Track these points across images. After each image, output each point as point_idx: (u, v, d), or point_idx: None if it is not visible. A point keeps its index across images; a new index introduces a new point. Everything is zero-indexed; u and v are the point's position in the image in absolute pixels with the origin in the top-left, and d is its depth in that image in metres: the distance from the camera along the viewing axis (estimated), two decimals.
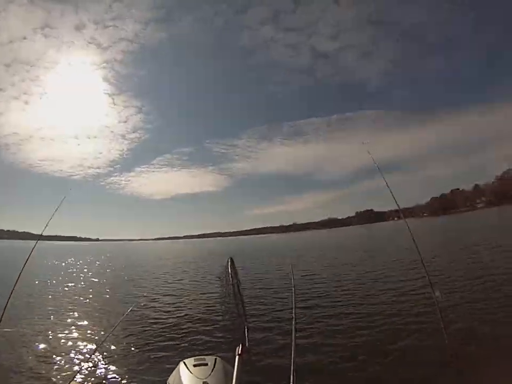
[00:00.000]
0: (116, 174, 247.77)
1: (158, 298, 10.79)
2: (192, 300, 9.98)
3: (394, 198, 2.61)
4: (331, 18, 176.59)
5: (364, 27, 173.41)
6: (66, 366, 5.08)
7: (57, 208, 3.82)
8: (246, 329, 1.87)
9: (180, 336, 6.45)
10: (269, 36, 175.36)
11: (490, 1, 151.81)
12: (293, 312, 1.60)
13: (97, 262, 30.81)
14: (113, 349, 5.82)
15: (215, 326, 6.60)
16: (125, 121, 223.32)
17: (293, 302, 1.64)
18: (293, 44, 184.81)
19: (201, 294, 10.76)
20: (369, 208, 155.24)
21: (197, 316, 7.85)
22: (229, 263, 2.12)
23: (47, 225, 3.64)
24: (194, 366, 2.15)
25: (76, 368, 4.93)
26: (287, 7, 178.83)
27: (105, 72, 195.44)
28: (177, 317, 8.09)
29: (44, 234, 4.24)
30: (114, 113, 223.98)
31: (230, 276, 1.98)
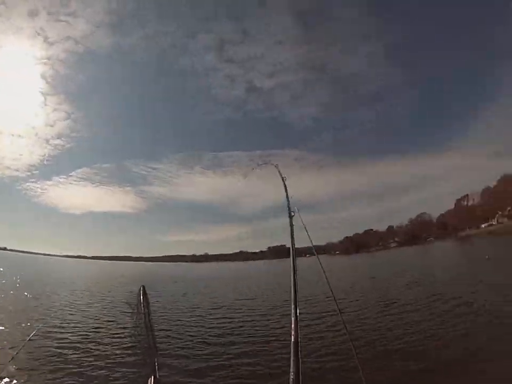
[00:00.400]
0: (33, 180, 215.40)
1: (65, 324, 9.95)
2: (100, 327, 9.52)
3: (308, 234, 3.06)
4: (272, 57, 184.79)
5: (301, 70, 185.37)
6: None
7: None
8: (156, 361, 1.92)
9: (86, 367, 6.07)
10: (211, 65, 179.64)
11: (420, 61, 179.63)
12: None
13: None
14: (17, 376, 5.23)
15: (123, 357, 6.49)
16: (52, 125, 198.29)
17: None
18: (231, 75, 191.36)
19: (110, 322, 10.40)
20: (282, 244, 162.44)
21: (105, 346, 7.54)
22: (141, 291, 2.07)
23: None
24: None
25: None
26: (234, 38, 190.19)
27: (45, 69, 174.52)
28: (84, 344, 7.59)
29: None
30: (43, 114, 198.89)
31: (141, 305, 1.95)
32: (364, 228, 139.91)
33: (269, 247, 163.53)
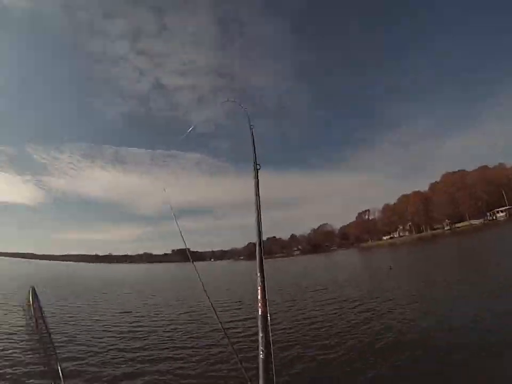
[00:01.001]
0: None
1: None
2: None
3: (183, 240, 2.74)
4: (185, 56, 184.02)
5: (211, 74, 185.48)
6: None
7: None
8: (58, 367, 1.70)
9: None
10: (122, 53, 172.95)
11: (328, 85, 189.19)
12: None
13: None
14: None
15: (22, 364, 5.79)
16: None
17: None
18: (141, 68, 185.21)
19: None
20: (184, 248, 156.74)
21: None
22: (31, 293, 1.90)
23: None
24: None
25: None
26: (151, 29, 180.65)
27: None
28: None
29: None
30: None
31: (32, 308, 1.77)
32: (267, 235, 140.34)
33: (173, 250, 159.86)
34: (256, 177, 1.67)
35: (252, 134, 2.03)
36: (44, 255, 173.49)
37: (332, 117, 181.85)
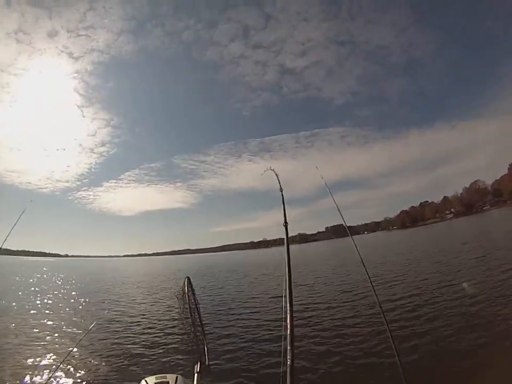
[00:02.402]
0: (84, 188, 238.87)
1: (120, 317, 10.81)
2: (152, 318, 10.16)
3: (341, 215, 2.94)
4: (300, 36, 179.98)
5: (331, 46, 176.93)
6: (32, 382, 5.08)
7: (17, 221, 3.75)
8: (205, 348, 2.02)
9: (141, 354, 6.53)
10: (238, 52, 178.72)
11: (453, 24, 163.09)
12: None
13: (60, 278, 29.55)
14: (77, 365, 5.82)
15: (174, 345, 6.80)
16: (93, 135, 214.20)
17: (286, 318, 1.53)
18: (261, 60, 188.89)
19: (161, 313, 11.08)
20: (339, 223, 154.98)
21: (157, 335, 8.04)
22: (186, 282, 2.18)
23: (6, 238, 3.57)
24: (156, 383, 2.14)
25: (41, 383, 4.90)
26: (257, 23, 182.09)
27: (75, 83, 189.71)
28: (138, 335, 8.18)
29: (4, 247, 4.15)
30: (83, 125, 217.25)
31: (186, 295, 2.05)
32: (419, 201, 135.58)
33: (326, 227, 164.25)
34: (286, 234, 1.93)
35: (282, 195, 2.26)
36: (198, 249, 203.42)
37: (465, 58, 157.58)
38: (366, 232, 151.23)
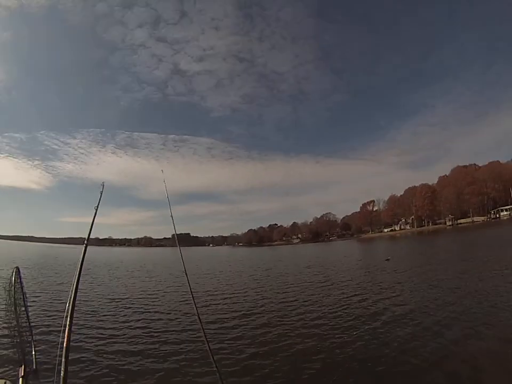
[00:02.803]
0: None
1: None
2: None
3: (174, 224, 3.27)
4: (204, 41, 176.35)
5: (229, 59, 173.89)
6: None
7: None
8: (32, 349, 1.87)
9: None
10: (140, 40, 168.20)
11: (348, 70, 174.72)
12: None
13: None
14: None
15: None
16: None
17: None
18: (159, 55, 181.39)
19: None
20: (187, 232, 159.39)
21: None
22: (14, 274, 2.00)
23: None
24: None
25: None
26: (170, 17, 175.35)
27: None
28: None
29: None
30: None
31: (13, 287, 1.86)
32: (269, 222, 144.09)
33: (172, 234, 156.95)
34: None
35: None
36: (43, 238, 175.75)
37: (349, 103, 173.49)
38: (211, 245, 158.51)
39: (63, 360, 1.49)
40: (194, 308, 2.65)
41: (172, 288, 15.08)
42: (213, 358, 2.17)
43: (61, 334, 1.55)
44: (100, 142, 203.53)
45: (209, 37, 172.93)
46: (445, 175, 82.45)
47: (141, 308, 10.72)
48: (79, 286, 1.79)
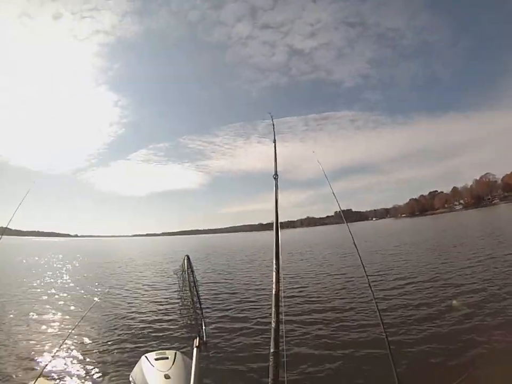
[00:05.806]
0: (93, 169, 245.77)
1: (121, 294, 11.05)
2: (153, 296, 10.39)
3: (337, 202, 2.88)
4: (308, 17, 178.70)
5: (340, 27, 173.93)
6: (34, 361, 5.11)
7: (21, 202, 3.72)
8: (202, 324, 2.10)
9: (141, 331, 6.65)
10: (245, 33, 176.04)
11: (468, 9, 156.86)
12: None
13: (64, 258, 30.03)
14: (79, 343, 5.89)
15: (173, 321, 6.96)
16: (101, 115, 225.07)
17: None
18: (269, 41, 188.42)
19: (160, 290, 11.32)
20: (348, 208, 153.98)
21: (156, 312, 8.23)
22: (185, 261, 2.25)
23: (11, 219, 3.57)
24: (156, 359, 2.29)
25: (43, 363, 4.96)
26: (264, 3, 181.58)
27: (81, 65, 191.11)
28: (138, 312, 8.39)
29: (15, 229, 4.10)
30: (90, 106, 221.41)
31: (186, 273, 2.13)
32: (428, 189, 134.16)
33: (335, 212, 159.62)
34: (276, 186, 1.90)
35: (275, 146, 2.27)
36: (207, 230, 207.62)
37: (479, 48, 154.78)
38: (374, 219, 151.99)
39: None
40: (371, 292, 2.59)
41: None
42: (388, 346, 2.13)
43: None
44: (243, 135, 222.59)
45: (311, 11, 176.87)
46: None
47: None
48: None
